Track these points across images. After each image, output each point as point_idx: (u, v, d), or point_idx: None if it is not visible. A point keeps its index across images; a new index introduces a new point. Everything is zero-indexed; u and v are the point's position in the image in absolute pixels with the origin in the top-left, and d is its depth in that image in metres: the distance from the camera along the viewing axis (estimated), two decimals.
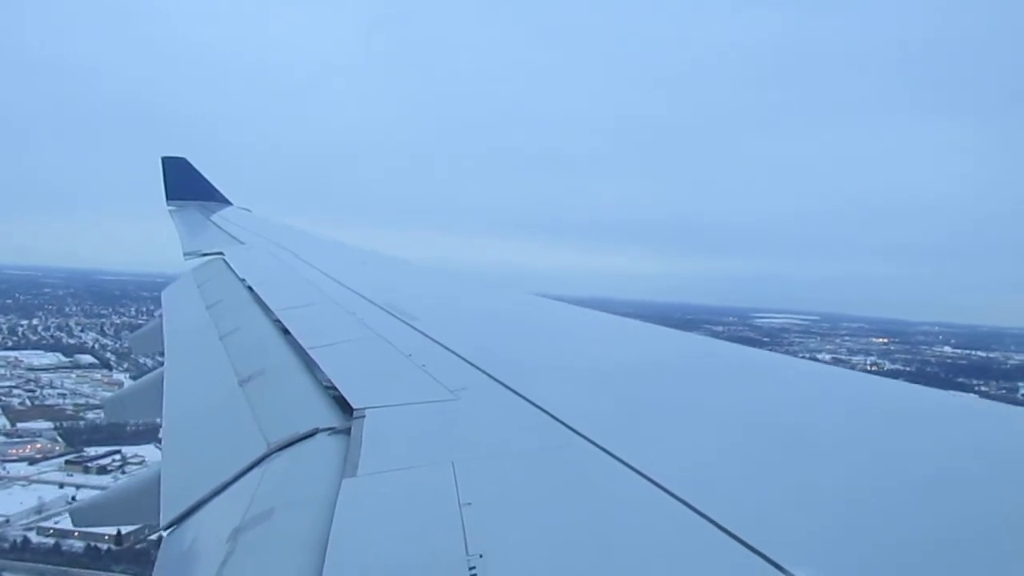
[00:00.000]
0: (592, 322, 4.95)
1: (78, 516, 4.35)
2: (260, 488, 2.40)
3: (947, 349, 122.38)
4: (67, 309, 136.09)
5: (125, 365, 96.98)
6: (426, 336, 3.89)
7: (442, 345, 3.67)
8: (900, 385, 3.23)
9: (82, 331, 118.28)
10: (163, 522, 2.51)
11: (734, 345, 4.23)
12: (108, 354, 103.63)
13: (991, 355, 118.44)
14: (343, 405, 2.93)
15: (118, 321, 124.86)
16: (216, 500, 2.49)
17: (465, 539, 1.74)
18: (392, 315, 4.51)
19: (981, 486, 1.98)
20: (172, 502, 2.61)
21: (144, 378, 5.87)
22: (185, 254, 9.19)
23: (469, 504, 1.92)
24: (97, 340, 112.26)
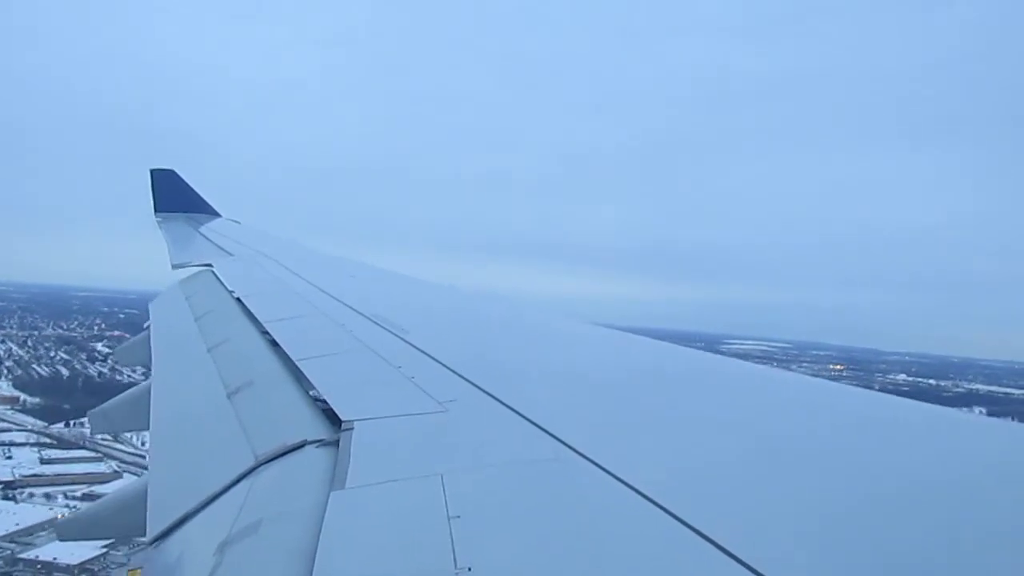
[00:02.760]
0: (581, 334, 4.96)
1: (64, 530, 4.30)
2: (248, 501, 2.39)
3: (901, 377, 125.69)
4: (4, 322, 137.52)
5: (18, 373, 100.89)
6: (415, 348, 3.89)
7: (431, 357, 3.66)
8: (892, 399, 3.24)
9: (1, 342, 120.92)
10: (150, 535, 2.49)
11: (724, 358, 4.24)
12: (9, 363, 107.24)
13: (941, 383, 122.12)
14: (332, 417, 2.92)
15: (49, 333, 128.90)
16: (204, 513, 2.48)
17: (454, 552, 1.73)
18: (381, 327, 4.50)
19: (961, 497, 1.99)
20: (159, 515, 2.60)
21: (131, 390, 5.82)
22: (173, 266, 9.13)
23: (458, 517, 1.91)
24: (10, 351, 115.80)
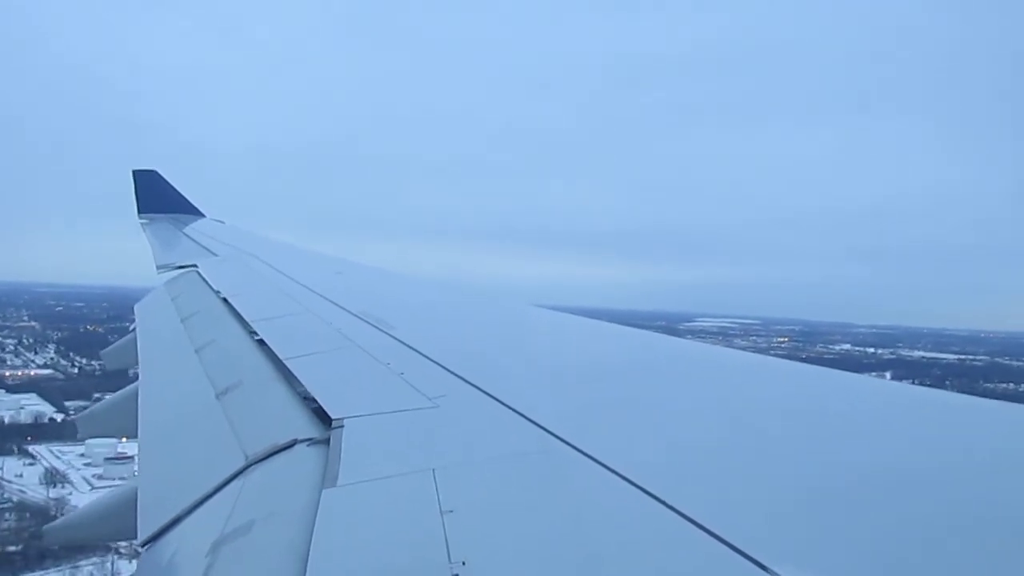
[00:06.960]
0: (568, 326, 4.96)
1: (52, 534, 4.27)
2: (239, 501, 2.38)
3: (842, 347, 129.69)
4: None
5: None
6: (404, 344, 3.88)
7: (420, 353, 3.66)
8: (892, 385, 3.27)
9: None
10: (140, 538, 2.48)
11: (711, 346, 4.25)
12: None
13: (878, 351, 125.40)
14: (322, 415, 2.91)
15: None
16: (195, 514, 2.47)
17: (447, 546, 1.74)
18: (369, 324, 4.49)
19: (952, 481, 2.01)
20: (150, 517, 2.58)
21: (119, 393, 5.78)
22: (158, 267, 9.06)
23: (451, 511, 1.92)
24: None
